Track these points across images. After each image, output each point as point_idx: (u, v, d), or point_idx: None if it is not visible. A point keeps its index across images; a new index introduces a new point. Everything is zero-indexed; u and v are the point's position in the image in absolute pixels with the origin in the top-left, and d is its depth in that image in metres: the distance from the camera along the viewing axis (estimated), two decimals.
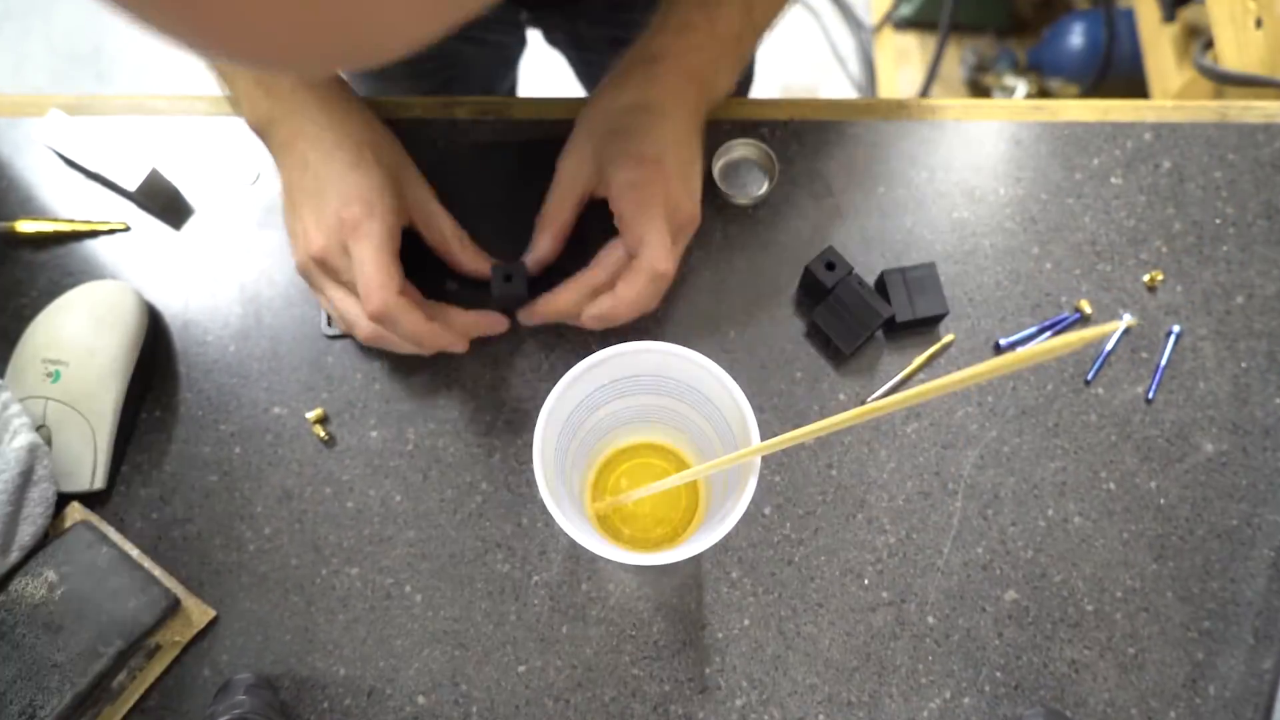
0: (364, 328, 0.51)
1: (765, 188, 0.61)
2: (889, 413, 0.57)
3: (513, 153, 0.62)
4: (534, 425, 0.41)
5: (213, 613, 0.53)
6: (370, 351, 0.59)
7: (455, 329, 0.54)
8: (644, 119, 0.52)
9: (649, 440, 0.55)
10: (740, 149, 0.62)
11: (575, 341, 0.59)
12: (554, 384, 0.42)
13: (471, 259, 0.56)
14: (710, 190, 0.62)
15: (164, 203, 0.62)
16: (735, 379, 0.42)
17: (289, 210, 0.53)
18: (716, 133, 0.63)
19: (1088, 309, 0.59)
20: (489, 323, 0.56)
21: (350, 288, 0.52)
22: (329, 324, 0.59)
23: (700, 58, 0.54)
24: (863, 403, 0.57)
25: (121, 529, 0.55)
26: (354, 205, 0.50)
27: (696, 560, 0.55)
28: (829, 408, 0.57)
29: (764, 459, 0.56)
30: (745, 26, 0.56)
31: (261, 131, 0.54)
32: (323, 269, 0.52)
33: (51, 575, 0.50)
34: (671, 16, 0.54)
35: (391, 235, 0.51)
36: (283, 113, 0.53)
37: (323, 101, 0.53)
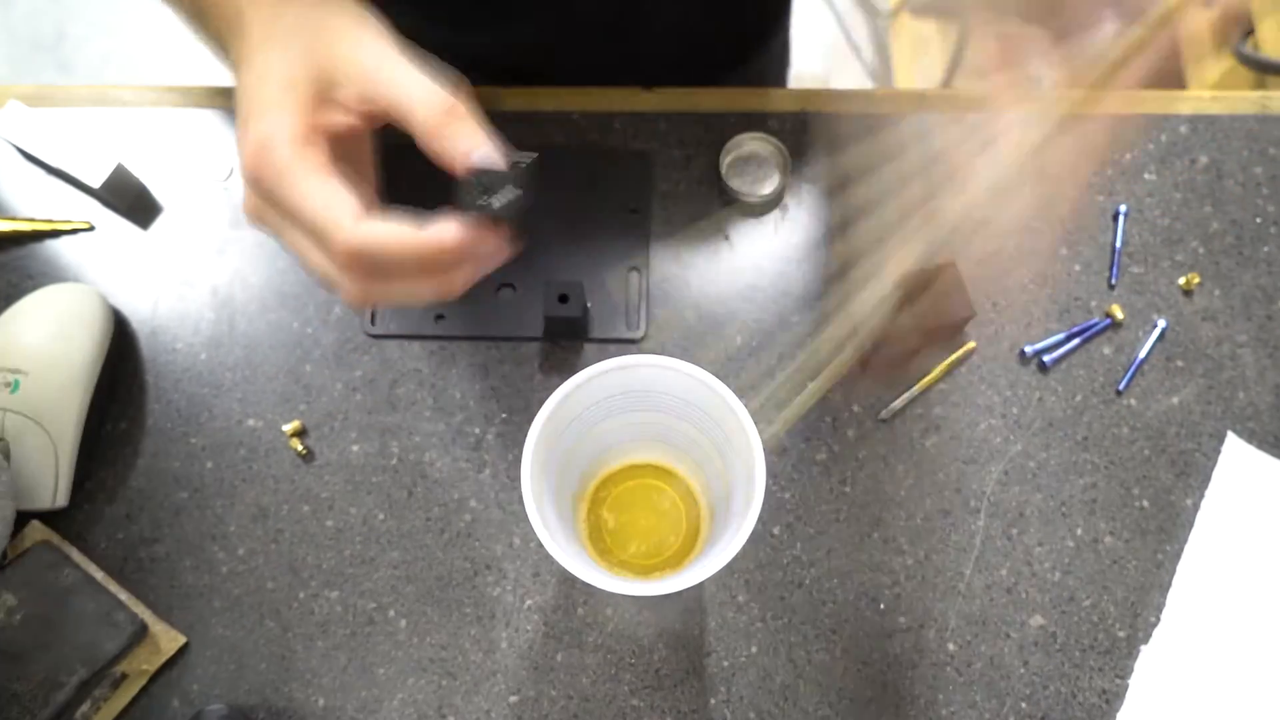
0: (345, 284, 0.39)
1: (776, 185, 0.62)
2: (905, 423, 0.58)
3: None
4: (525, 439, 0.42)
5: (183, 639, 0.53)
6: (351, 361, 0.59)
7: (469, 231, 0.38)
8: None
9: (648, 460, 0.55)
10: (750, 143, 0.63)
11: (570, 349, 0.59)
12: (548, 395, 0.42)
13: (463, 138, 0.38)
14: (717, 188, 0.63)
15: (130, 200, 0.62)
16: (741, 389, 0.42)
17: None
18: (723, 125, 0.64)
19: (1119, 314, 0.60)
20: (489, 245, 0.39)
21: (306, 227, 0.38)
22: (373, 321, 0.59)
23: None
24: (878, 414, 0.58)
25: (85, 549, 0.55)
26: (268, 112, 0.38)
27: (700, 584, 0.55)
28: (842, 419, 0.58)
29: (772, 476, 0.56)
30: None
31: (223, 53, 0.45)
32: (265, 211, 0.40)
33: (10, 599, 0.50)
34: None
35: (308, 133, 0.38)
36: (233, 33, 0.43)
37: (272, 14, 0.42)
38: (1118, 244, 0.62)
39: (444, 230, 0.37)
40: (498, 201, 0.37)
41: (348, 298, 0.39)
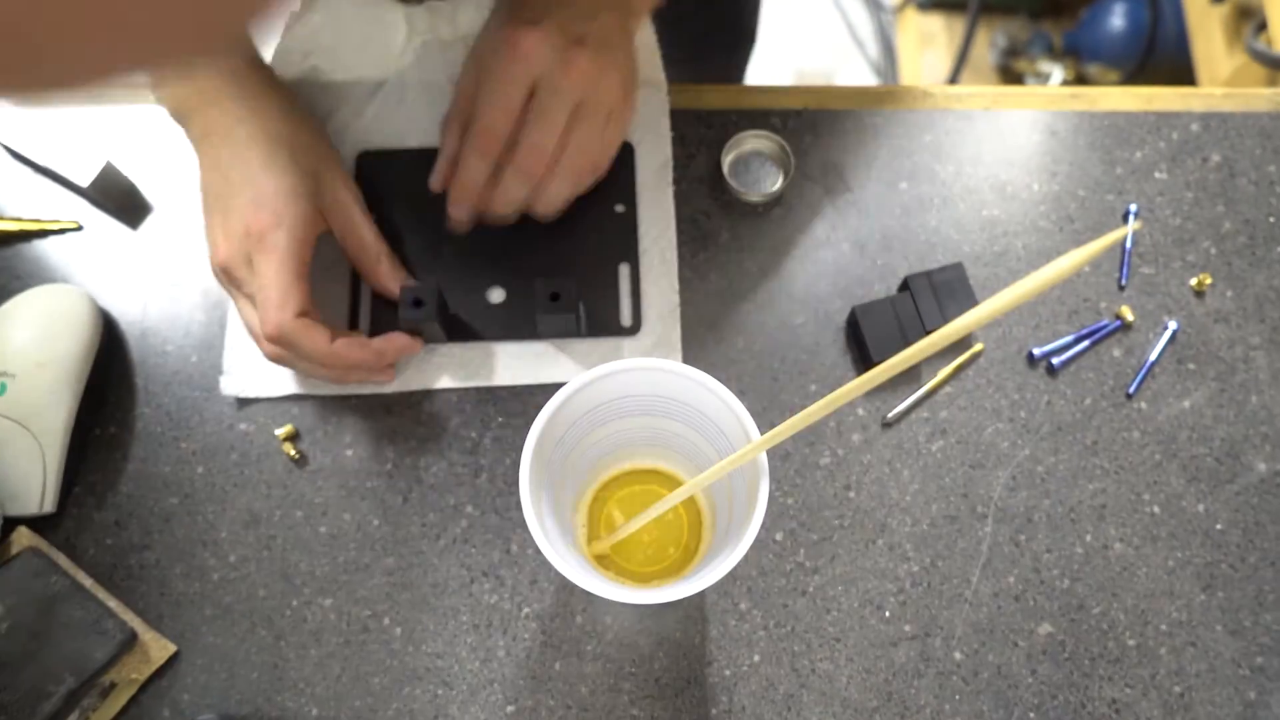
0: (265, 347, 0.52)
1: (779, 184, 0.62)
2: (911, 427, 0.58)
3: None
4: (524, 443, 0.42)
5: (173, 648, 0.53)
6: None
7: (369, 350, 0.54)
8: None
9: (648, 466, 0.55)
10: (752, 141, 0.63)
11: (570, 353, 0.59)
12: (546, 398, 0.43)
13: (389, 277, 0.57)
14: (719, 187, 0.63)
15: (120, 200, 0.62)
16: (743, 392, 0.42)
17: (204, 212, 0.54)
18: (724, 123, 0.64)
19: (1130, 316, 0.60)
20: (400, 345, 0.55)
21: (255, 300, 0.53)
22: (354, 317, 0.60)
23: None
24: (883, 417, 0.58)
25: (73, 556, 0.55)
26: (262, 213, 0.51)
27: (701, 591, 0.55)
28: (847, 422, 0.58)
29: (775, 481, 0.56)
30: None
31: (180, 120, 0.55)
32: (230, 279, 0.53)
33: None
34: None
35: (300, 247, 0.52)
36: (200, 102, 0.54)
37: (241, 89, 0.54)
38: (1128, 244, 0.62)
39: (348, 347, 0.53)
40: (422, 316, 0.54)
41: (265, 352, 0.53)
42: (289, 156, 0.53)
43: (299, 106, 0.57)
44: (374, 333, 0.58)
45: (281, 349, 0.52)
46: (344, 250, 0.57)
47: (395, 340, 0.55)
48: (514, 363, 0.59)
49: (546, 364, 0.59)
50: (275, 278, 0.51)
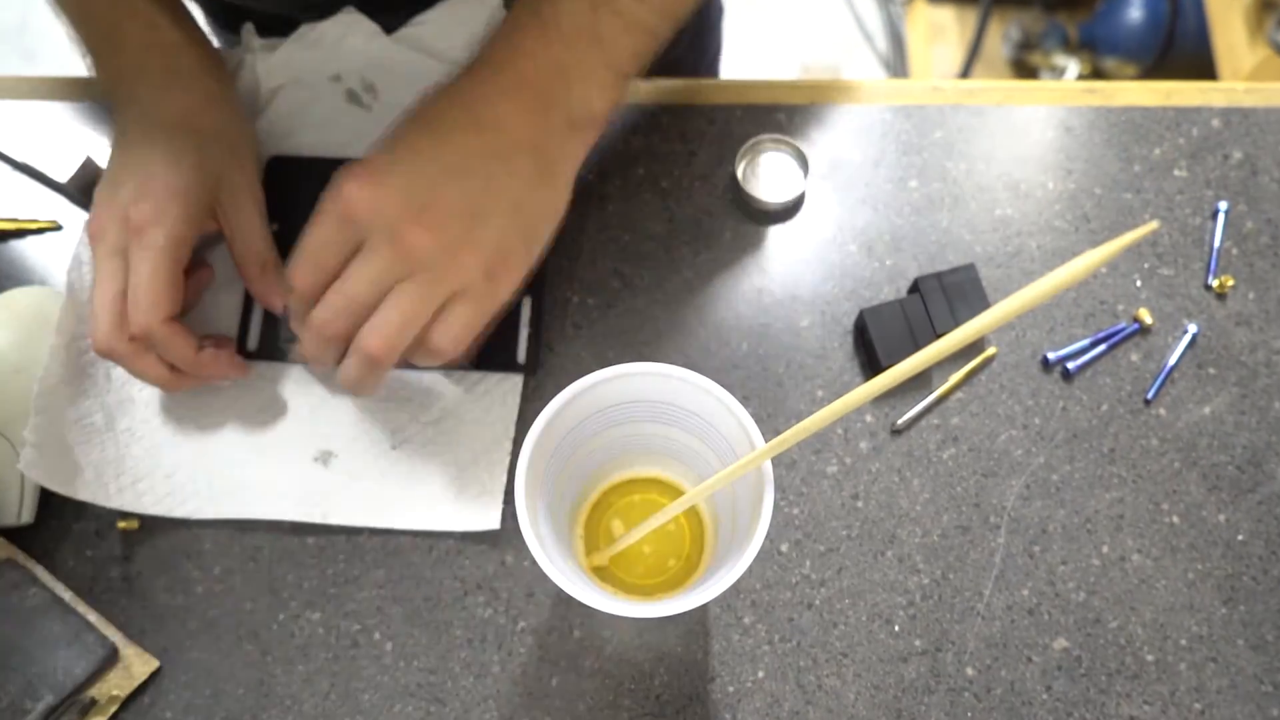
0: (101, 338, 0.51)
1: (796, 190, 0.61)
2: (921, 434, 0.58)
3: None
4: (519, 451, 0.42)
5: (156, 663, 0.53)
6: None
7: (234, 365, 0.56)
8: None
9: (648, 474, 0.55)
10: (767, 146, 0.62)
11: (565, 356, 0.59)
12: (542, 406, 0.43)
13: (271, 288, 0.56)
14: (721, 186, 0.63)
15: None
16: (747, 398, 0.42)
17: (100, 180, 0.54)
18: (727, 118, 0.64)
19: (1148, 319, 0.60)
20: (224, 366, 0.55)
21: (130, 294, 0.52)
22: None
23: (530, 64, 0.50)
24: (892, 424, 0.58)
25: (52, 568, 0.55)
26: (144, 205, 0.51)
27: (704, 605, 0.55)
28: (855, 429, 0.58)
29: (780, 490, 0.56)
30: (605, 22, 0.50)
31: (107, 93, 0.56)
32: (95, 246, 0.52)
33: None
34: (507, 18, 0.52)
35: (177, 247, 0.51)
36: (129, 73, 0.54)
37: (169, 69, 0.54)
38: (1216, 241, 0.62)
39: (213, 359, 0.54)
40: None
41: (100, 340, 0.51)
42: (196, 150, 0.53)
43: (231, 95, 0.57)
44: (261, 346, 0.58)
45: (117, 347, 0.51)
46: (231, 254, 0.56)
47: (224, 362, 0.55)
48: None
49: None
50: (149, 278, 0.50)
